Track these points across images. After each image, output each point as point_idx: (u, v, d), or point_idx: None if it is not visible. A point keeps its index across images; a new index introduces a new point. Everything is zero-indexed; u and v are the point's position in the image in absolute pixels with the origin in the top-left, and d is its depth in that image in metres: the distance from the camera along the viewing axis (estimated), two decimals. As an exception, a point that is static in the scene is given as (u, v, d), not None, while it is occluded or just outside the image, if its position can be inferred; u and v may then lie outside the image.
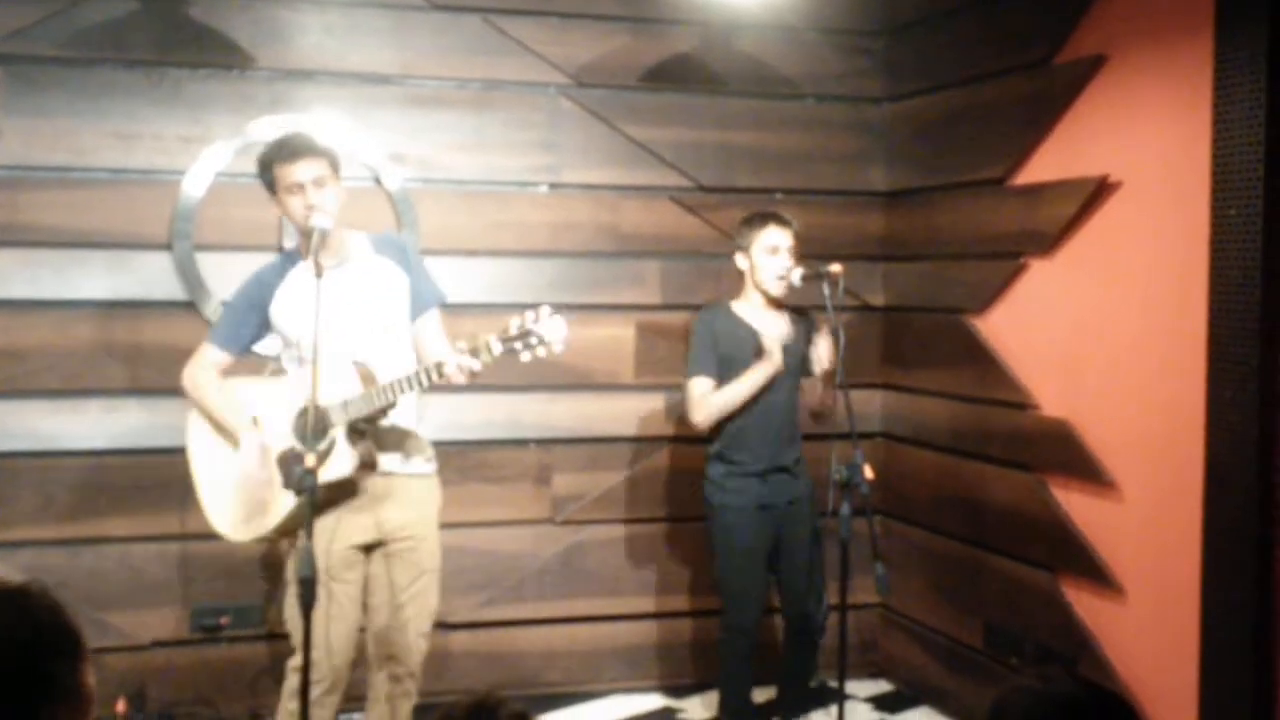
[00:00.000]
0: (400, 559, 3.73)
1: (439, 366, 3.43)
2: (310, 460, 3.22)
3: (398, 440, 3.72)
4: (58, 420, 4.56)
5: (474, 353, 3.40)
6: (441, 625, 4.89)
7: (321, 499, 3.39)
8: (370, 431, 3.62)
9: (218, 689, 4.73)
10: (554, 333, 3.38)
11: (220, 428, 3.72)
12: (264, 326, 3.75)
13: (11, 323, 4.50)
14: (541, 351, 3.40)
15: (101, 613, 4.52)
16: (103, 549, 4.61)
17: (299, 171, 3.55)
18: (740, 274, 4.43)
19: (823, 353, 4.28)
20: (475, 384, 3.58)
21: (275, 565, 4.56)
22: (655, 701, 5.12)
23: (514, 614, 5.07)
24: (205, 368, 3.75)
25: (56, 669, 1.53)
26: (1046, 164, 4.37)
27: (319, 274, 3.40)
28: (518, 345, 3.39)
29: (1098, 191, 4.06)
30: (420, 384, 3.48)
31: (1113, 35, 4.03)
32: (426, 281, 3.87)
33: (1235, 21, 3.46)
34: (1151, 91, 3.88)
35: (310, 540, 3.16)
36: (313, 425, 3.41)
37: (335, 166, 3.65)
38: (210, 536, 3.82)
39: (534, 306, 3.40)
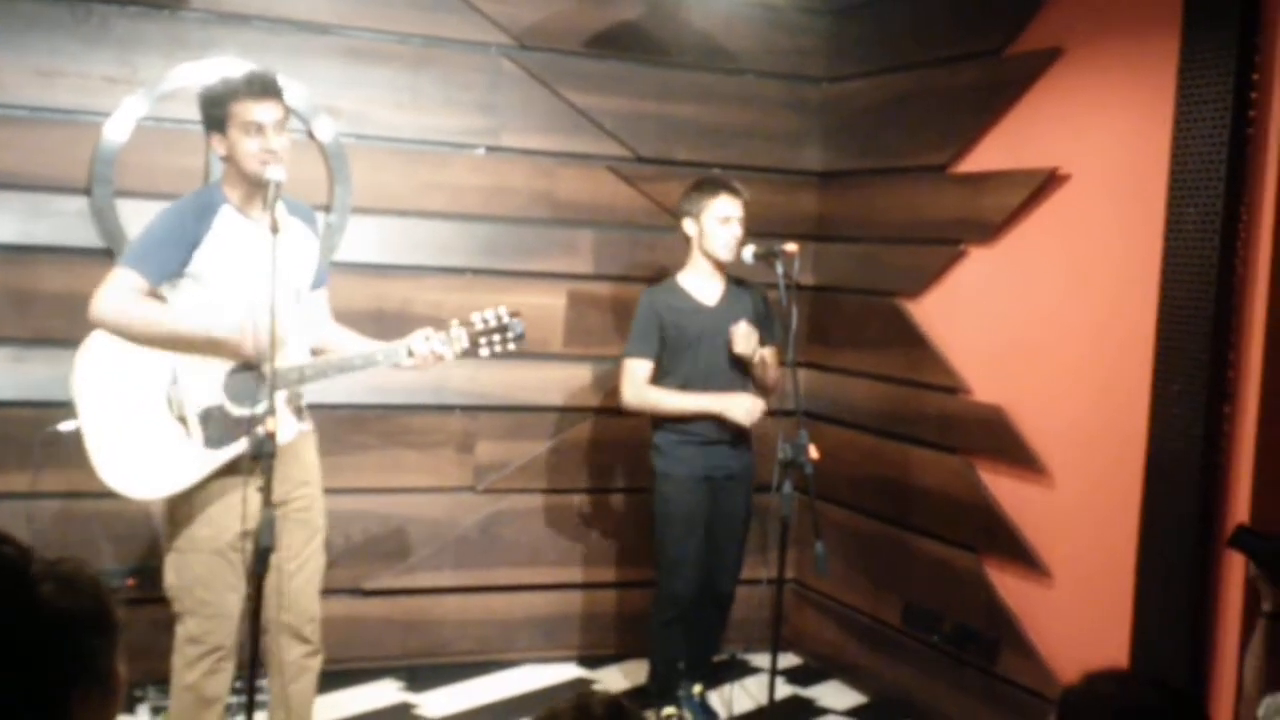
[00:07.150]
0: (297, 519, 3.56)
1: (408, 349, 3.47)
2: (271, 425, 3.07)
3: (291, 399, 3.58)
4: (-40, 369, 4.30)
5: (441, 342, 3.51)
6: (357, 591, 4.83)
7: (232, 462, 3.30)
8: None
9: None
10: (515, 332, 3.60)
11: (186, 345, 3.35)
12: (185, 265, 3.39)
13: (-86, 264, 4.23)
14: (499, 349, 3.59)
15: (3, 573, 4.29)
16: (4, 505, 4.37)
17: (264, 111, 3.34)
18: (687, 241, 4.39)
19: (740, 336, 4.30)
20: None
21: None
22: (570, 672, 5.11)
23: (431, 582, 4.99)
24: (130, 292, 3.34)
25: (94, 650, 1.46)
26: (993, 154, 4.41)
27: (275, 230, 3.23)
28: (481, 340, 3.57)
29: (1046, 183, 4.12)
30: (379, 362, 3.50)
31: (1071, 28, 4.08)
32: (326, 256, 3.77)
33: (1203, 19, 3.51)
34: (1110, 86, 3.93)
35: (271, 508, 3.02)
36: (257, 387, 3.28)
37: (288, 115, 3.48)
38: (116, 495, 3.50)
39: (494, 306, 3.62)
